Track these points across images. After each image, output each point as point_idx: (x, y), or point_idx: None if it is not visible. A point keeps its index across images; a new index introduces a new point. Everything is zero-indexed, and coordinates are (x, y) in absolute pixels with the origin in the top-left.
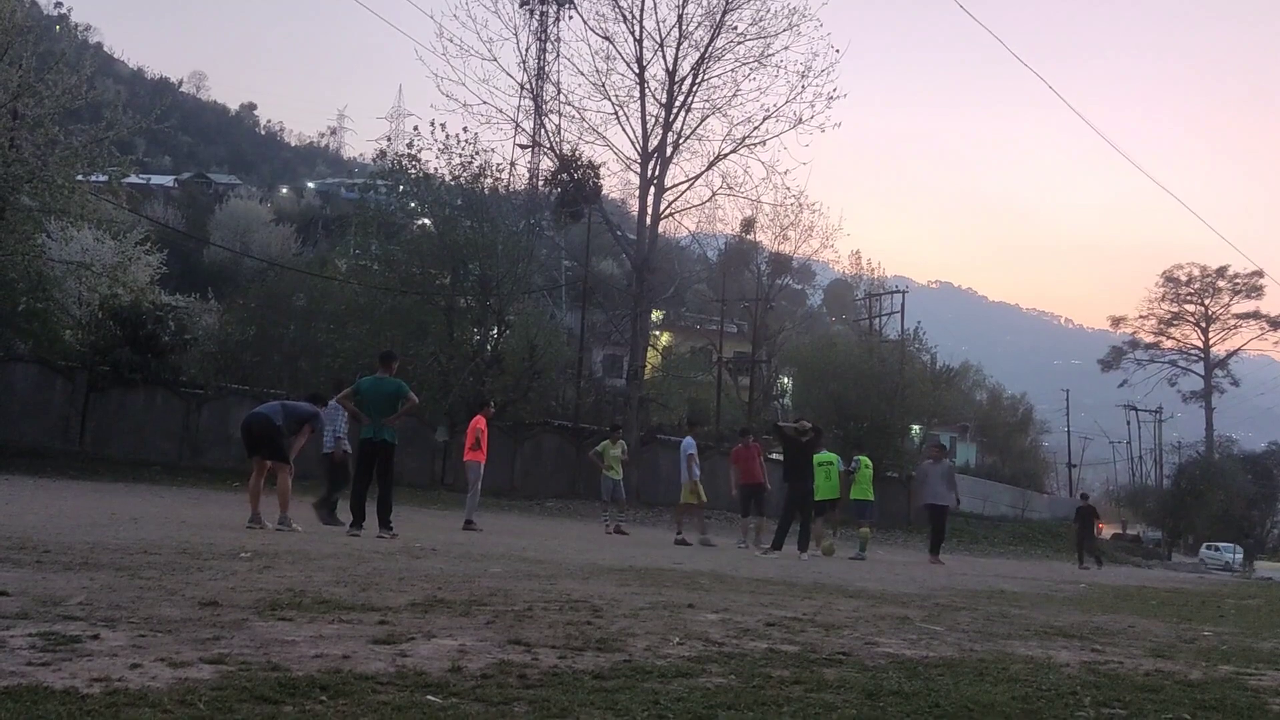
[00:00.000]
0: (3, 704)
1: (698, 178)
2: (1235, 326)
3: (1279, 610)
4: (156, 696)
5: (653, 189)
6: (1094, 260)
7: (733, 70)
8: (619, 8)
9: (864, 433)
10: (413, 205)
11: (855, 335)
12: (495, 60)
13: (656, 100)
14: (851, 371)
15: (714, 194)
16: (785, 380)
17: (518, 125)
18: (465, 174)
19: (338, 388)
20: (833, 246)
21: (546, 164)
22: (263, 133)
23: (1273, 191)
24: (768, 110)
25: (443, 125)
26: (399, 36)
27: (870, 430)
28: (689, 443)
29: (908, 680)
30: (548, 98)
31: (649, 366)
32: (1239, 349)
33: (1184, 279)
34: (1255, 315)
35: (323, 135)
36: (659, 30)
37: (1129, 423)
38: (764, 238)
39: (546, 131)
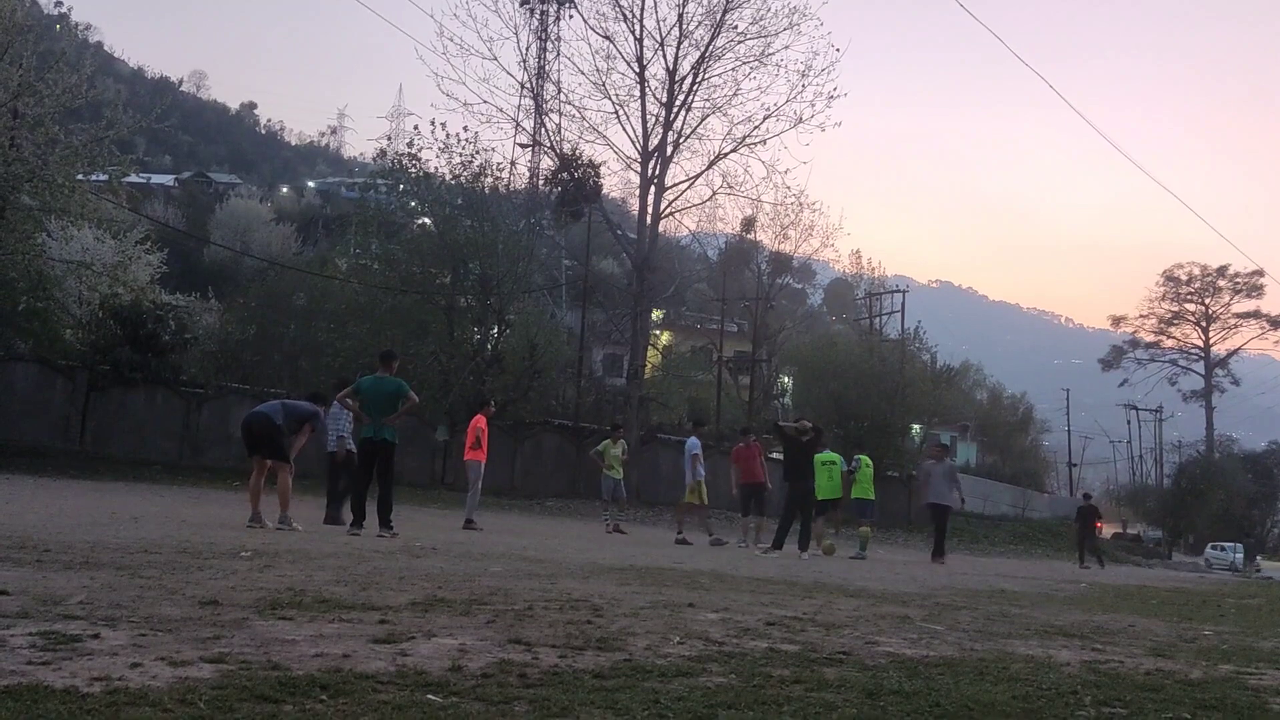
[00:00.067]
0: (3, 703)
1: (698, 177)
2: (1235, 326)
3: (1279, 609)
4: (157, 695)
5: (653, 188)
6: (1094, 260)
7: (733, 69)
8: (619, 7)
9: (864, 432)
10: (413, 204)
11: (855, 335)
12: (495, 59)
13: (657, 99)
14: (852, 371)
15: (714, 193)
16: (785, 379)
17: (518, 124)
18: (465, 173)
19: (340, 388)
20: (833, 246)
21: (547, 163)
22: (263, 132)
23: (1273, 191)
24: (768, 109)
25: (443, 124)
26: (399, 36)
27: (870, 429)
28: (694, 443)
29: (908, 679)
30: (548, 97)
31: (649, 366)
32: (1239, 348)
33: (1184, 278)
34: (1255, 314)
35: (323, 134)
36: (659, 29)
37: (1129, 422)
38: (764, 237)
39: (547, 130)
